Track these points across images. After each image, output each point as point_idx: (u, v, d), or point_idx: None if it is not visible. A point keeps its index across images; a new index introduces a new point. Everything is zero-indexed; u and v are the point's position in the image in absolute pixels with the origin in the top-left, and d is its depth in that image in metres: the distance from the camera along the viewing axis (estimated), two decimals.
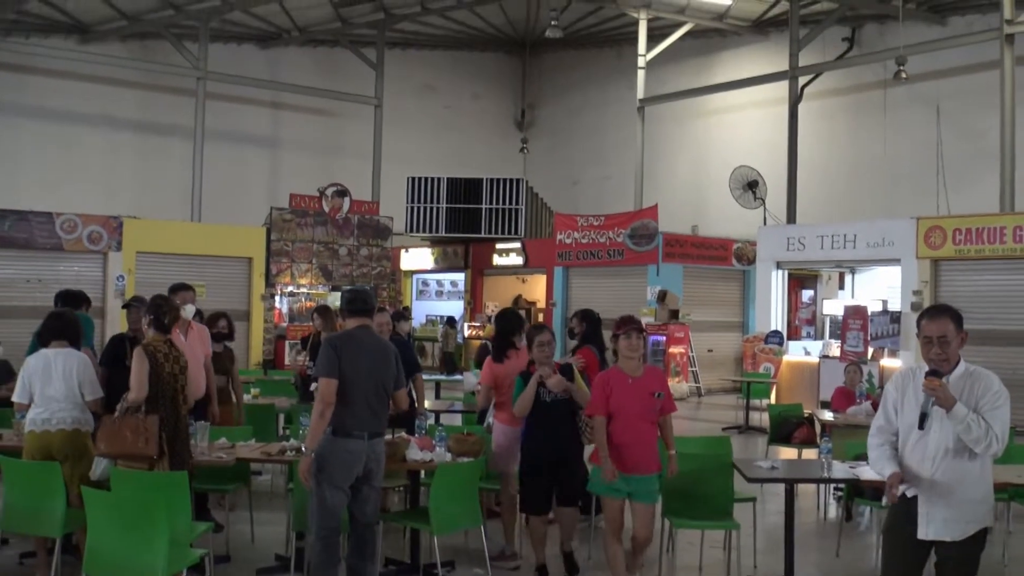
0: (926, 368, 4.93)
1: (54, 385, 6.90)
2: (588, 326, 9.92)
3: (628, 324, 6.88)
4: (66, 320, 7.35)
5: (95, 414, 7.12)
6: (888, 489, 4.92)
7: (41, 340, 7.21)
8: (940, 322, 4.91)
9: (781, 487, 7.51)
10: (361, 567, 6.50)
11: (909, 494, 4.94)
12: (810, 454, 10.04)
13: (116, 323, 20.17)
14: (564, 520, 7.53)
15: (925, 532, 4.88)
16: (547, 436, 7.35)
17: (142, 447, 6.37)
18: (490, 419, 8.27)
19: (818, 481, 8.76)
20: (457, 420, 11.01)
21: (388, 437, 7.39)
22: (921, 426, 4.81)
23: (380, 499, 6.87)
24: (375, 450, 6.42)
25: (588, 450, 7.16)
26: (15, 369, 11.49)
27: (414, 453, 7.23)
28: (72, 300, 9.40)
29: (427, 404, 10.98)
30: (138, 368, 6.58)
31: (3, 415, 8.97)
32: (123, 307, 8.88)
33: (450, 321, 25.85)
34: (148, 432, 6.39)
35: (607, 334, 8.22)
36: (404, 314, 16.27)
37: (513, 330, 8.52)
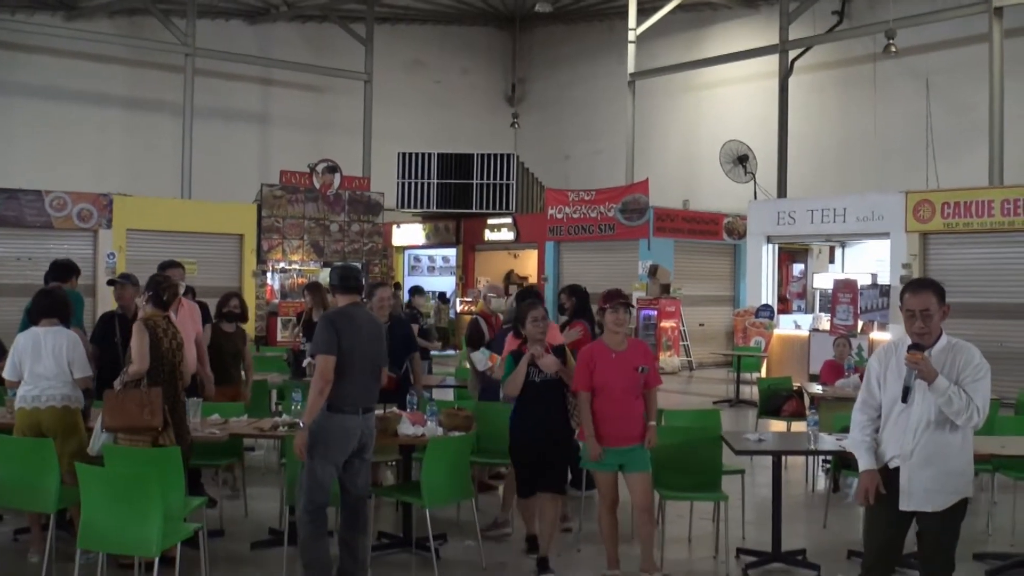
0: (909, 342, 4.99)
1: (43, 363, 6.94)
2: (577, 300, 9.97)
3: (615, 298, 6.91)
4: (56, 298, 7.38)
5: (85, 392, 7.17)
6: (863, 492, 5.04)
7: (31, 318, 7.24)
8: (923, 296, 4.96)
9: (770, 460, 7.59)
10: (354, 539, 6.54)
11: (891, 466, 5.01)
12: (799, 427, 10.12)
13: (107, 301, 20.13)
14: (545, 508, 7.10)
15: (907, 503, 4.96)
16: (537, 417, 7.04)
17: (147, 419, 6.44)
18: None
19: (805, 453, 8.84)
20: (449, 395, 11.06)
21: (380, 412, 7.46)
22: (904, 399, 4.88)
23: (371, 472, 6.94)
24: (368, 424, 6.51)
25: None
26: (6, 347, 11.58)
27: (406, 428, 7.28)
28: (63, 271, 9.35)
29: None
30: (139, 341, 6.64)
31: None
32: (108, 283, 8.85)
33: (441, 297, 25.90)
34: (153, 404, 6.48)
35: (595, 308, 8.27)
36: (420, 289, 16.29)
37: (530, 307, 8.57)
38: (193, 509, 6.60)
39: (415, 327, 11.42)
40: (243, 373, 9.74)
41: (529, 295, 9.01)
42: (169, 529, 5.72)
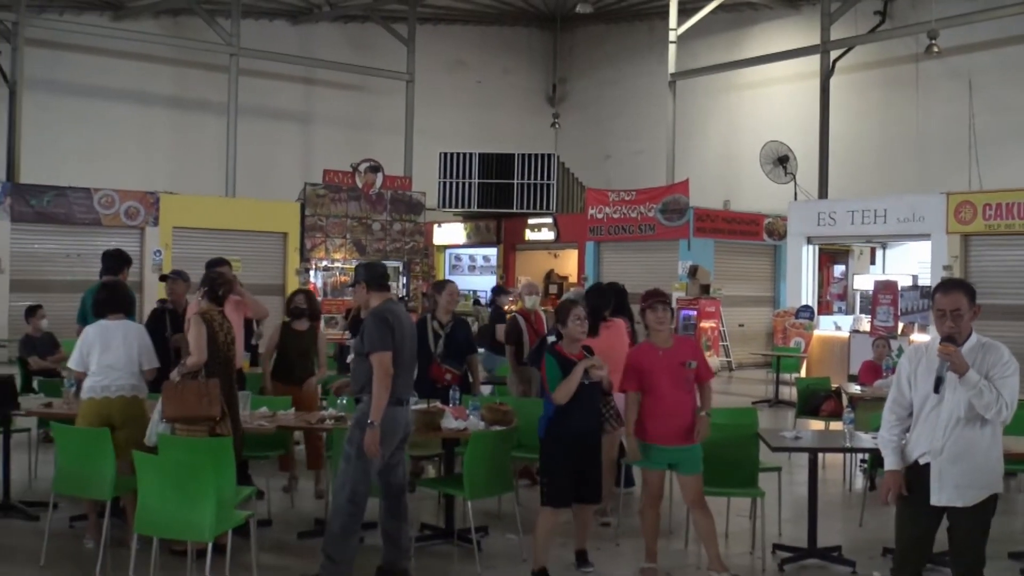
0: (936, 343, 5.08)
1: (113, 354, 7.17)
2: (616, 298, 10.10)
3: (654, 296, 7.05)
4: (120, 292, 7.61)
5: (148, 383, 7.42)
6: (885, 492, 5.19)
7: (97, 312, 7.44)
8: (953, 296, 5.06)
9: (807, 459, 7.68)
10: (398, 529, 6.71)
11: (922, 462, 5.10)
12: (837, 426, 10.18)
13: (152, 296, 20.51)
14: (584, 518, 7.13)
15: (938, 498, 5.04)
16: (578, 422, 6.79)
17: (206, 408, 6.67)
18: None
19: (840, 450, 8.92)
20: (489, 390, 11.21)
21: (423, 406, 7.64)
22: (936, 390, 4.97)
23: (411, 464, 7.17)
24: (410, 416, 6.82)
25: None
26: (59, 341, 11.88)
27: (448, 422, 7.45)
28: (116, 262, 9.33)
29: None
30: (197, 334, 6.89)
31: (51, 385, 9.30)
32: (160, 279, 9.06)
33: (491, 303, 26.12)
34: (211, 395, 6.71)
35: (634, 308, 8.36)
36: (503, 288, 16.36)
37: (604, 305, 8.71)
38: (244, 498, 6.81)
39: (498, 327, 11.50)
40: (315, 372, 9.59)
41: (596, 293, 9.07)
42: (221, 516, 5.93)
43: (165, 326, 8.80)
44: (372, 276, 6.82)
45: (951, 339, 4.98)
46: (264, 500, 8.29)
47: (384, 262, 25.41)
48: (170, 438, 6.66)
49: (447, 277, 28.42)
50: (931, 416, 5.08)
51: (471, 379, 9.40)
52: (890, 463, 5.21)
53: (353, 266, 24.26)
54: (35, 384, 9.51)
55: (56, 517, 7.46)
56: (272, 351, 9.36)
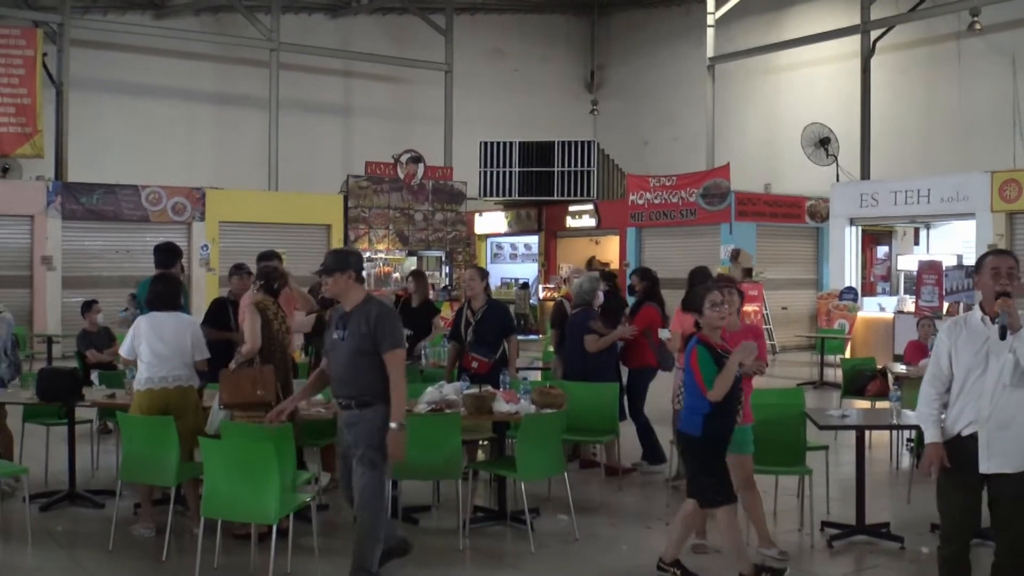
0: (976, 315, 5.26)
1: (168, 345, 7.37)
2: (648, 283, 10.25)
3: (723, 281, 7.20)
4: (173, 285, 7.82)
5: (200, 374, 7.62)
6: (927, 464, 5.26)
7: (151, 304, 7.66)
8: (1007, 258, 5.27)
9: (854, 437, 7.77)
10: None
11: (966, 433, 5.20)
12: (883, 406, 10.24)
13: (200, 289, 20.90)
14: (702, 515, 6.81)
15: (987, 466, 5.13)
16: (730, 417, 6.49)
17: (261, 394, 6.85)
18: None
19: (886, 428, 9.00)
20: (536, 376, 11.37)
21: (475, 391, 7.79)
22: (1003, 336, 5.04)
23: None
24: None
25: None
26: (114, 335, 12.17)
27: (500, 406, 7.59)
28: (169, 255, 9.44)
29: None
30: (251, 322, 7.09)
31: (112, 377, 9.55)
32: (229, 275, 9.25)
33: (523, 285, 26.29)
34: (266, 381, 6.89)
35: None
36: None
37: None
38: (304, 482, 7.01)
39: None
40: None
41: (699, 275, 9.15)
42: (284, 500, 6.12)
43: (229, 316, 9.03)
44: (349, 263, 6.21)
45: (1007, 293, 5.11)
46: (319, 485, 8.50)
47: (428, 252, 25.76)
48: (233, 424, 6.87)
49: (489, 265, 28.69)
50: (976, 385, 5.17)
51: (508, 362, 9.40)
52: (931, 436, 5.31)
53: (395, 256, 24.61)
54: (93, 377, 9.74)
55: (121, 505, 7.68)
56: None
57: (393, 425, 5.93)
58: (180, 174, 23.81)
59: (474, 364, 9.13)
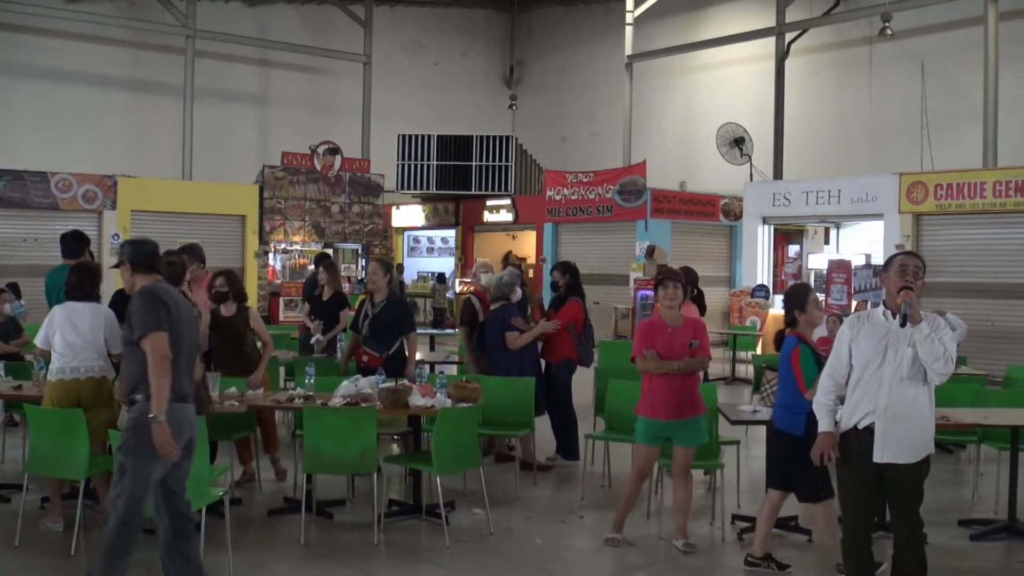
0: (879, 310, 5.49)
1: (81, 335, 7.20)
2: (570, 278, 10.30)
3: (666, 275, 7.35)
4: (91, 275, 7.63)
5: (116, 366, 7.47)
6: (818, 451, 5.45)
7: (68, 295, 7.48)
8: (914, 259, 5.50)
9: (764, 433, 7.90)
10: (189, 548, 5.76)
11: (863, 424, 5.38)
12: None
13: (112, 280, 20.44)
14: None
15: (881, 455, 5.32)
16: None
17: None
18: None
19: None
20: (453, 370, 11.37)
21: (391, 384, 7.77)
22: (903, 324, 5.28)
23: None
24: (195, 419, 5.86)
25: None
26: (22, 325, 11.86)
27: (416, 399, 7.59)
28: (75, 244, 9.06)
29: (420, 356, 11.46)
30: None
31: (19, 368, 9.32)
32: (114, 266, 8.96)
33: (439, 278, 26.27)
34: None
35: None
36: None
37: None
38: (217, 476, 6.93)
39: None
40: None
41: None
42: (197, 493, 6.04)
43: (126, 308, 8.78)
44: (138, 256, 5.84)
45: (909, 288, 5.31)
46: (232, 479, 8.42)
47: (344, 244, 25.60)
48: None
49: (406, 259, 28.63)
50: (874, 377, 5.35)
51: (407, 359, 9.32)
52: (824, 425, 5.50)
53: (311, 248, 24.41)
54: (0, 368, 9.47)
55: (29, 499, 7.51)
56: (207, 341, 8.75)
57: (152, 416, 5.36)
58: (91, 161, 23.32)
59: (364, 358, 9.04)
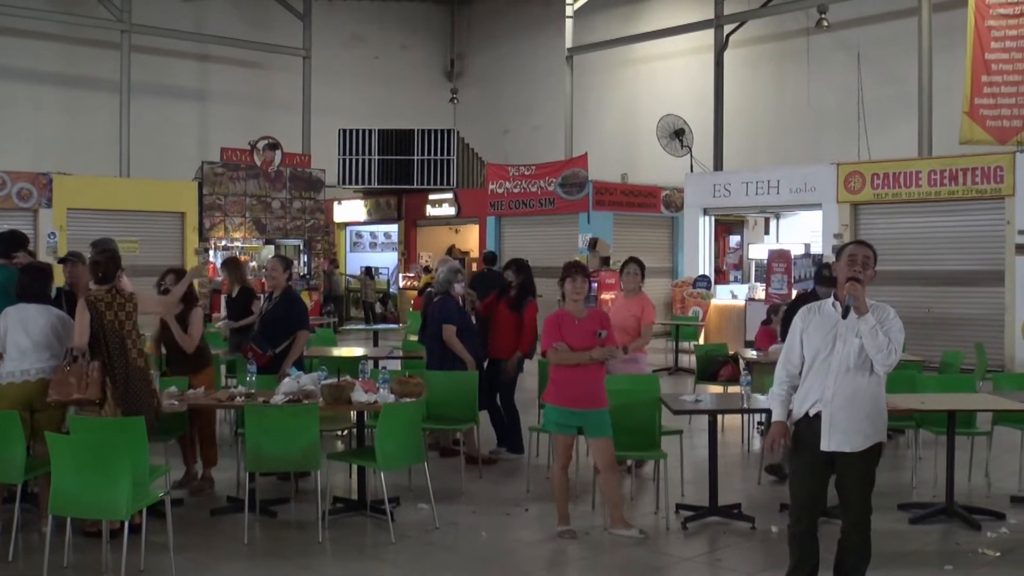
0: (829, 301, 5.55)
1: (32, 338, 7.09)
2: (524, 276, 10.30)
3: (573, 268, 7.36)
4: (43, 276, 7.49)
5: None
6: (770, 441, 5.59)
7: (20, 296, 7.33)
8: (865, 249, 5.57)
9: (707, 421, 7.98)
10: None
11: (812, 412, 5.46)
12: (735, 390, 10.51)
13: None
14: None
15: (828, 443, 5.41)
16: None
17: (83, 392, 6.65)
18: None
19: (738, 412, 9.31)
20: (397, 365, 11.32)
21: (334, 380, 7.72)
22: (845, 316, 5.39)
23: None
24: None
25: None
26: None
27: (359, 395, 7.54)
28: (11, 243, 8.73)
29: (360, 352, 11.59)
30: (80, 318, 6.89)
31: None
32: (58, 262, 8.82)
33: (368, 271, 26.21)
34: (90, 377, 6.68)
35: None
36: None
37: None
38: (157, 477, 6.84)
39: None
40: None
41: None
42: (136, 495, 5.96)
43: (63, 307, 8.63)
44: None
45: (857, 279, 5.39)
46: (174, 480, 8.32)
47: (286, 240, 25.40)
48: (82, 419, 6.65)
49: (348, 254, 28.49)
50: (823, 366, 5.45)
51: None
52: (776, 415, 5.62)
53: (252, 245, 24.19)
54: None
55: None
56: (159, 342, 8.85)
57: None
58: (25, 159, 22.93)
59: (249, 354, 8.79)
